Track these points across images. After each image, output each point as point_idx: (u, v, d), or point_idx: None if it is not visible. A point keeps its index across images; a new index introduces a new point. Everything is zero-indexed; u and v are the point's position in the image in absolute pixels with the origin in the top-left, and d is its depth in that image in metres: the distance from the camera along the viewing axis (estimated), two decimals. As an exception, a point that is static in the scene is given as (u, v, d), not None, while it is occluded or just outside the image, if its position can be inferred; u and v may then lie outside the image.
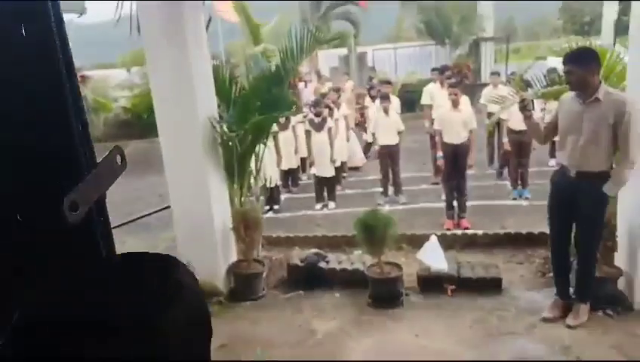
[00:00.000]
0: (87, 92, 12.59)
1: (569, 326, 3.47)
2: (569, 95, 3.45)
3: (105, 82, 13.91)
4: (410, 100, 11.98)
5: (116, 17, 4.92)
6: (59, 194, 0.90)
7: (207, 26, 5.14)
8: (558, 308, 3.65)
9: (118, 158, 1.24)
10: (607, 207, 3.39)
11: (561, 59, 3.72)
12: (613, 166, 3.34)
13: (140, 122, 12.58)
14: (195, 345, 0.56)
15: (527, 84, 4.55)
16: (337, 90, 9.29)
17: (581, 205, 3.37)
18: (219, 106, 4.60)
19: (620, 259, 3.77)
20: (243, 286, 4.25)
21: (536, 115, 4.44)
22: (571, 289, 3.70)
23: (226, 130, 4.32)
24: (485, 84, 9.15)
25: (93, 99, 12.91)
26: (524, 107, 3.51)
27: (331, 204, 6.82)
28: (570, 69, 3.28)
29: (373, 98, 9.46)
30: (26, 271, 1.00)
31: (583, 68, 3.22)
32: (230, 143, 4.32)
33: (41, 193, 0.92)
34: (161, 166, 4.39)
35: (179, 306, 0.54)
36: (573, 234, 3.56)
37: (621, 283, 3.74)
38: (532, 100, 3.61)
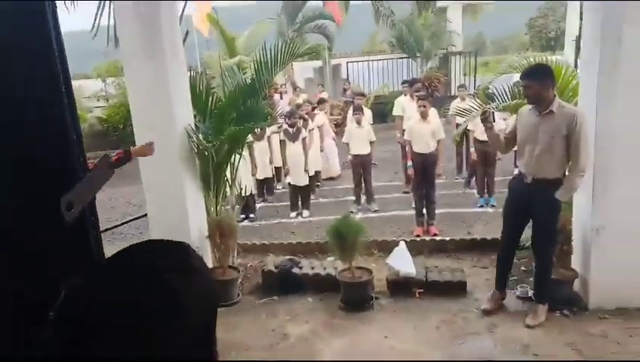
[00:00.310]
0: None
1: (528, 326, 3.68)
2: (526, 108, 3.71)
3: (79, 92, 13.77)
4: (383, 112, 12.27)
5: (94, 28, 5.02)
6: (57, 195, 1.04)
7: (185, 39, 5.27)
8: (494, 301, 3.95)
9: (108, 164, 1.39)
10: (560, 213, 3.64)
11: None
12: (566, 173, 3.60)
13: (116, 133, 12.52)
14: (207, 315, 0.70)
15: (489, 97, 4.81)
16: (321, 102, 9.48)
17: (536, 210, 3.62)
18: (195, 117, 4.71)
19: (575, 262, 4.02)
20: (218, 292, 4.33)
21: (500, 125, 4.70)
22: (530, 292, 3.95)
23: (202, 140, 4.43)
24: (455, 97, 9.48)
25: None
26: (485, 119, 3.75)
27: (305, 213, 6.96)
28: (527, 84, 3.54)
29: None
30: (25, 267, 1.11)
31: (539, 82, 3.48)
32: (206, 153, 4.44)
33: (40, 194, 1.04)
34: (136, 176, 4.45)
35: (194, 284, 0.68)
36: (531, 240, 3.81)
37: (577, 285, 3.98)
38: (493, 112, 3.84)
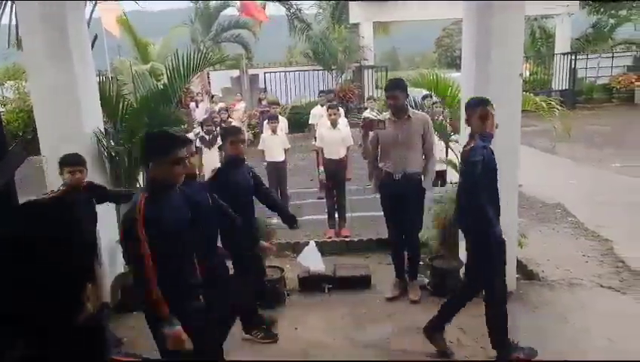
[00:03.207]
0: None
1: (414, 301, 4.29)
2: (385, 115, 4.33)
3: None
4: (300, 121, 12.64)
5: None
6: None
7: (93, 43, 5.20)
8: (397, 287, 4.47)
9: (21, 148, 1.57)
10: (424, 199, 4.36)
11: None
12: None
13: (16, 140, 11.67)
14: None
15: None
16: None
17: (409, 200, 4.21)
18: (106, 122, 4.67)
19: (462, 253, 4.54)
20: (131, 297, 4.32)
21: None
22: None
23: (113, 144, 4.42)
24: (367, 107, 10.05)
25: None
26: (364, 126, 4.22)
27: (222, 218, 7.04)
28: (394, 94, 4.16)
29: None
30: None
31: (403, 94, 4.18)
32: (117, 158, 4.43)
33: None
34: (40, 184, 4.32)
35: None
36: (403, 227, 4.41)
37: (462, 274, 4.50)
38: (383, 121, 4.29)
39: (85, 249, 0.89)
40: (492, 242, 3.24)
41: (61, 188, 3.52)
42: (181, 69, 4.65)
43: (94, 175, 4.31)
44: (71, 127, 4.18)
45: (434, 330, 3.52)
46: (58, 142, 4.17)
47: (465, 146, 3.31)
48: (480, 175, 3.11)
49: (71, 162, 3.54)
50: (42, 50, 4.10)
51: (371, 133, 4.20)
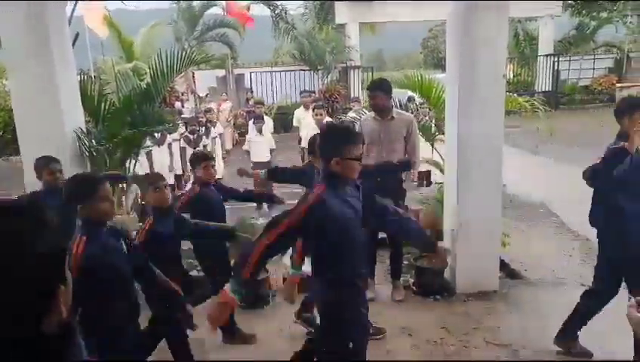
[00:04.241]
0: None
1: (398, 301, 4.28)
2: (369, 115, 4.28)
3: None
4: (286, 121, 12.62)
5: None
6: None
7: (75, 41, 5.13)
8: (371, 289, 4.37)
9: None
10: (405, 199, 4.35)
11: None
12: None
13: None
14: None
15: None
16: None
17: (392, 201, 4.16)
18: (88, 122, 4.61)
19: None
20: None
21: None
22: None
23: (94, 143, 4.36)
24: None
25: None
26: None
27: (206, 219, 6.99)
28: (376, 95, 4.15)
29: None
30: None
31: (386, 94, 4.14)
32: (99, 157, 4.37)
33: None
34: (18, 184, 4.25)
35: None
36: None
37: (446, 274, 4.52)
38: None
39: (55, 250, 0.86)
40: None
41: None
42: (164, 68, 4.60)
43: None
44: (51, 126, 4.13)
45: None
46: (38, 141, 4.11)
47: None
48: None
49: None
50: (23, 49, 4.05)
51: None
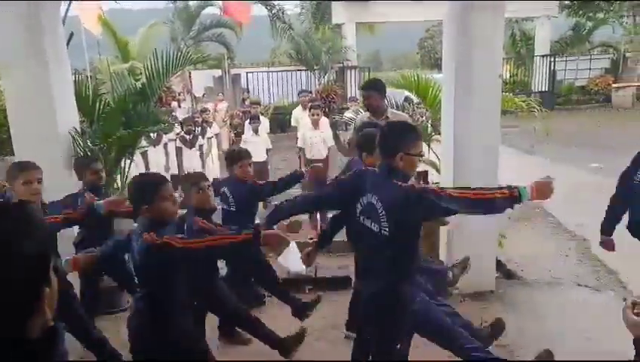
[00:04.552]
0: None
1: None
2: (364, 116, 4.27)
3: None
4: (283, 121, 12.60)
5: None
6: None
7: (69, 41, 5.09)
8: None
9: None
10: None
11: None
12: None
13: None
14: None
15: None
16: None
17: None
18: (82, 122, 4.58)
19: (442, 255, 4.57)
20: (105, 298, 4.23)
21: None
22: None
23: (89, 143, 4.33)
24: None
25: None
26: (333, 125, 4.23)
27: (203, 220, 6.96)
28: (370, 95, 4.11)
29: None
30: None
31: (379, 94, 4.09)
32: (93, 157, 4.33)
33: None
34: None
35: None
36: None
37: (443, 274, 4.52)
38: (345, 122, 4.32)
39: (40, 250, 0.84)
40: None
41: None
42: (160, 67, 4.58)
43: (68, 176, 4.22)
44: (45, 126, 4.10)
45: None
46: (32, 141, 4.08)
47: None
48: None
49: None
50: (17, 49, 4.02)
51: (342, 133, 4.21)
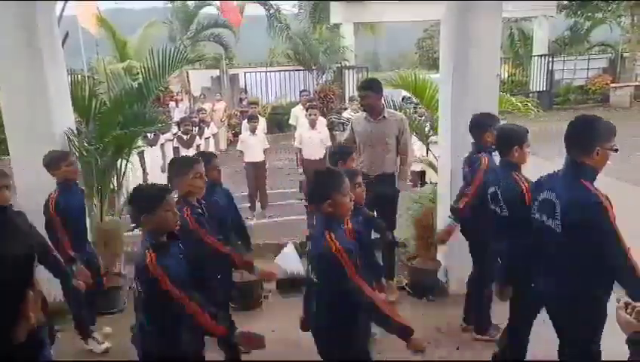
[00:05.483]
0: None
1: (391, 301, 4.13)
2: (361, 115, 4.26)
3: None
4: (281, 121, 12.59)
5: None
6: None
7: (64, 41, 5.08)
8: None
9: None
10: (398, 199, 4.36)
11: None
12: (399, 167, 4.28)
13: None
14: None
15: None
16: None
17: (382, 200, 4.14)
18: (79, 122, 4.56)
19: (439, 254, 4.56)
20: (101, 299, 4.22)
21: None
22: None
23: (85, 144, 4.32)
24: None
25: None
26: (329, 124, 4.22)
27: (200, 220, 6.94)
28: (366, 94, 4.14)
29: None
30: None
31: (376, 94, 4.13)
32: (89, 157, 4.32)
33: None
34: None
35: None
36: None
37: (440, 274, 4.51)
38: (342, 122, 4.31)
39: (23, 255, 0.83)
40: None
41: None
42: (157, 67, 4.56)
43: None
44: (40, 126, 4.08)
45: None
46: (27, 141, 4.07)
47: None
48: None
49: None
50: (12, 48, 4.00)
51: (340, 134, 4.20)
